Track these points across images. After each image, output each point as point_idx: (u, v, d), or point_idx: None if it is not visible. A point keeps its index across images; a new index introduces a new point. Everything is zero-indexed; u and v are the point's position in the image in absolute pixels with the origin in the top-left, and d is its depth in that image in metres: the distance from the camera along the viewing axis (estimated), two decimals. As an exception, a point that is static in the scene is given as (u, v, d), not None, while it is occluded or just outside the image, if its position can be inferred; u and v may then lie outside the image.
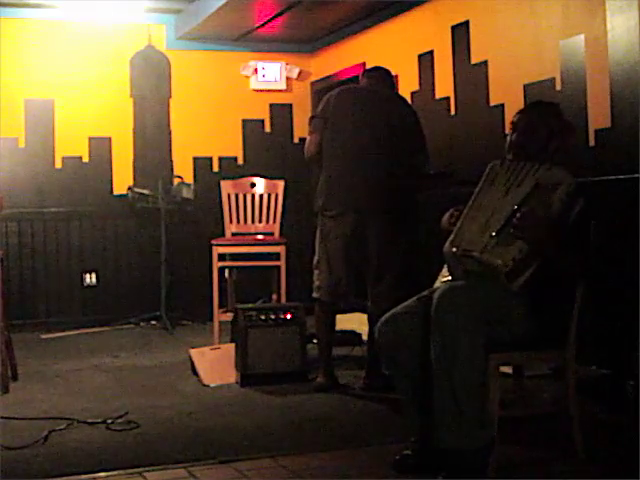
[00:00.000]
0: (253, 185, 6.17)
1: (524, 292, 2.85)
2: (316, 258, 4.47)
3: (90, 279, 7.23)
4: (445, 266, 3.08)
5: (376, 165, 4.34)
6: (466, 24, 5.71)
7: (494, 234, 2.83)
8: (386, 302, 3.86)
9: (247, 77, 7.75)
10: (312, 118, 4.55)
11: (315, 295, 4.46)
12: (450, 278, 3.03)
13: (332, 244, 4.36)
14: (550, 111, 3.13)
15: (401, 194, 4.40)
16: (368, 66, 6.99)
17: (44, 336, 6.59)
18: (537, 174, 2.88)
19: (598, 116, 4.53)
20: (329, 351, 4.48)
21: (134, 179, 7.36)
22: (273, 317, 4.62)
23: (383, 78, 4.66)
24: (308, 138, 4.52)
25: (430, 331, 2.80)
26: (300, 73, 7.89)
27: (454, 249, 2.93)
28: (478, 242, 2.86)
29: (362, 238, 4.32)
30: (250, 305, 4.93)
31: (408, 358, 2.93)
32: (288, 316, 4.62)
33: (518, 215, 2.77)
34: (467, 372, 2.72)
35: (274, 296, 5.93)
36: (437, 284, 3.08)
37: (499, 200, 2.90)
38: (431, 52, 6.14)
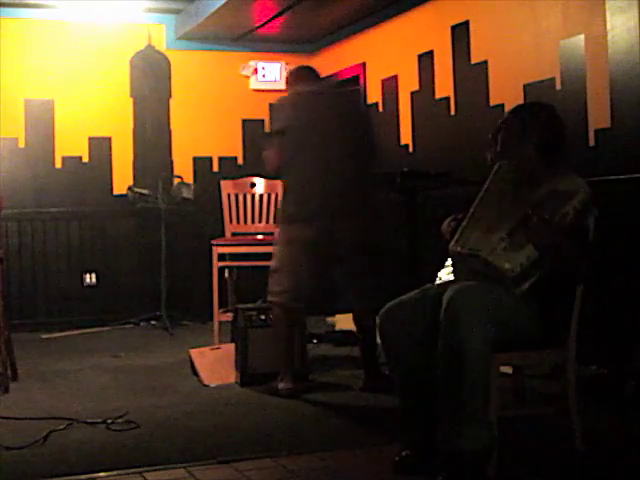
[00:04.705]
0: (253, 185, 6.17)
1: (530, 295, 2.84)
2: (276, 263, 4.35)
3: (90, 279, 7.23)
4: (446, 264, 3.08)
5: (344, 168, 4.29)
6: (466, 24, 5.71)
7: (505, 236, 2.80)
8: (371, 300, 4.21)
9: (247, 77, 7.76)
10: (269, 135, 4.42)
11: (275, 299, 4.33)
12: (453, 277, 3.02)
13: (298, 248, 4.26)
14: (534, 112, 3.06)
15: (369, 194, 4.40)
16: (368, 66, 7.01)
17: (44, 336, 6.59)
18: (554, 180, 2.86)
19: (598, 116, 4.53)
20: (293, 354, 4.38)
21: (134, 179, 7.36)
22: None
23: (316, 76, 4.61)
24: (267, 154, 4.40)
25: (434, 326, 2.79)
26: (300, 73, 7.88)
27: (459, 248, 2.92)
28: (486, 243, 2.83)
29: (331, 242, 4.26)
30: (250, 305, 4.92)
31: (410, 348, 2.92)
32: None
33: (534, 219, 2.70)
34: (474, 373, 2.71)
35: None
36: (439, 282, 3.08)
37: (509, 202, 2.88)
38: (431, 52, 6.14)
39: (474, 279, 2.87)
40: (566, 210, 2.77)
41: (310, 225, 4.25)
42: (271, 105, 4.43)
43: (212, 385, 4.55)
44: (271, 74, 7.77)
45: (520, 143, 3.00)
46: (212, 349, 5.01)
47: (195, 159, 7.58)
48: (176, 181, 7.24)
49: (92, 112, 7.28)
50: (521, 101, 5.05)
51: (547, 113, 3.05)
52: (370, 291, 4.34)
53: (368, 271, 4.35)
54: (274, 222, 4.40)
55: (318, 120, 4.34)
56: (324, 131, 4.31)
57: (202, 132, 7.58)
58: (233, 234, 6.10)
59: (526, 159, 2.98)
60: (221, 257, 5.73)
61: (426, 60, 6.20)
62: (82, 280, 7.22)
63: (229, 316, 5.26)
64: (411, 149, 6.40)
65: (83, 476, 3.02)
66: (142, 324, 7.04)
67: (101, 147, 7.31)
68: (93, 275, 7.24)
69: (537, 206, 2.76)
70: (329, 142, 4.30)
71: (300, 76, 4.59)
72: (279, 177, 4.49)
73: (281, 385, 4.29)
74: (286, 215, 4.35)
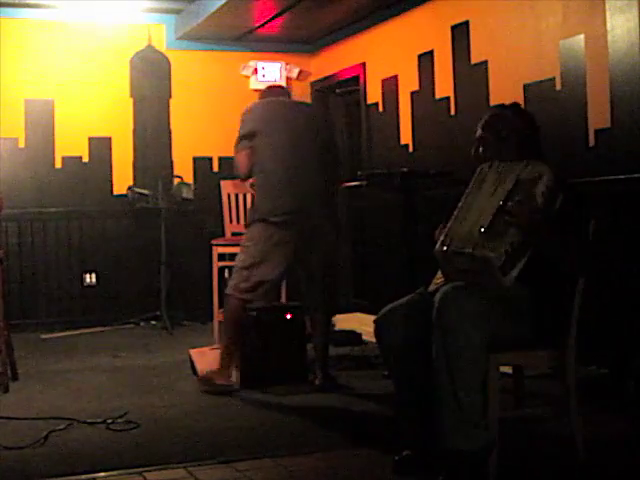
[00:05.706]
0: (253, 185, 6.16)
1: (523, 290, 2.85)
2: (251, 260, 4.35)
3: (90, 279, 7.23)
4: (439, 270, 3.09)
5: (318, 171, 4.42)
6: (466, 24, 5.71)
7: (483, 230, 2.85)
8: (332, 301, 4.56)
9: (247, 77, 7.76)
10: (240, 139, 4.47)
11: (245, 296, 4.35)
12: (443, 280, 3.03)
13: (273, 249, 4.33)
14: (502, 115, 3.25)
15: (334, 200, 4.56)
16: (368, 66, 7.02)
17: (44, 336, 6.59)
18: (517, 171, 2.92)
19: (598, 116, 4.53)
20: (237, 348, 4.44)
21: (134, 179, 7.36)
22: (273, 317, 4.62)
23: (287, 93, 4.79)
24: (238, 157, 4.47)
25: (429, 328, 2.79)
26: (300, 73, 7.89)
27: (444, 248, 2.94)
28: (469, 240, 2.87)
29: (305, 243, 4.38)
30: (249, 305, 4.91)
31: (407, 350, 2.92)
32: (288, 316, 4.62)
33: (510, 204, 2.79)
34: (469, 373, 2.71)
35: (274, 296, 5.92)
36: (432, 287, 3.08)
37: (486, 200, 2.93)
38: (431, 52, 6.14)
39: (463, 278, 2.89)
40: (533, 196, 2.83)
41: (290, 228, 4.33)
42: (243, 112, 4.53)
43: (212, 385, 4.54)
44: (271, 74, 7.76)
45: (498, 143, 3.09)
46: (212, 349, 5.01)
47: (195, 159, 7.58)
48: (176, 181, 7.24)
49: (92, 112, 7.28)
50: (521, 101, 5.05)
51: (515, 110, 3.23)
52: (325, 294, 4.52)
53: (326, 274, 4.50)
54: (245, 221, 4.51)
55: (289, 123, 4.45)
56: (295, 133, 4.43)
57: (202, 132, 7.58)
58: (233, 234, 6.10)
59: (504, 157, 3.04)
60: (221, 257, 5.73)
61: (426, 60, 6.20)
62: (82, 280, 7.22)
63: (229, 316, 5.25)
64: (411, 149, 6.40)
65: (83, 476, 3.03)
66: (142, 324, 7.04)
67: (101, 147, 7.31)
68: (93, 275, 7.24)
69: (506, 197, 2.84)
70: (300, 142, 4.41)
71: (272, 90, 4.80)
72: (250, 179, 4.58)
73: (220, 381, 4.34)
74: (261, 213, 4.39)
